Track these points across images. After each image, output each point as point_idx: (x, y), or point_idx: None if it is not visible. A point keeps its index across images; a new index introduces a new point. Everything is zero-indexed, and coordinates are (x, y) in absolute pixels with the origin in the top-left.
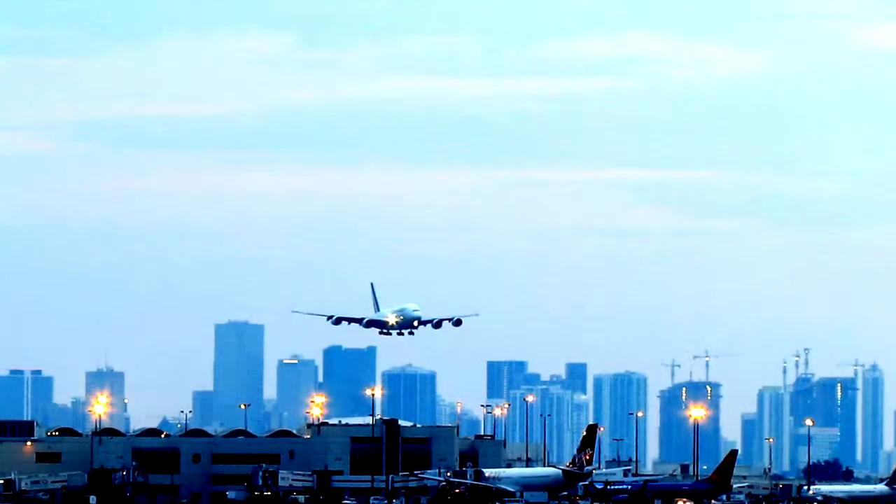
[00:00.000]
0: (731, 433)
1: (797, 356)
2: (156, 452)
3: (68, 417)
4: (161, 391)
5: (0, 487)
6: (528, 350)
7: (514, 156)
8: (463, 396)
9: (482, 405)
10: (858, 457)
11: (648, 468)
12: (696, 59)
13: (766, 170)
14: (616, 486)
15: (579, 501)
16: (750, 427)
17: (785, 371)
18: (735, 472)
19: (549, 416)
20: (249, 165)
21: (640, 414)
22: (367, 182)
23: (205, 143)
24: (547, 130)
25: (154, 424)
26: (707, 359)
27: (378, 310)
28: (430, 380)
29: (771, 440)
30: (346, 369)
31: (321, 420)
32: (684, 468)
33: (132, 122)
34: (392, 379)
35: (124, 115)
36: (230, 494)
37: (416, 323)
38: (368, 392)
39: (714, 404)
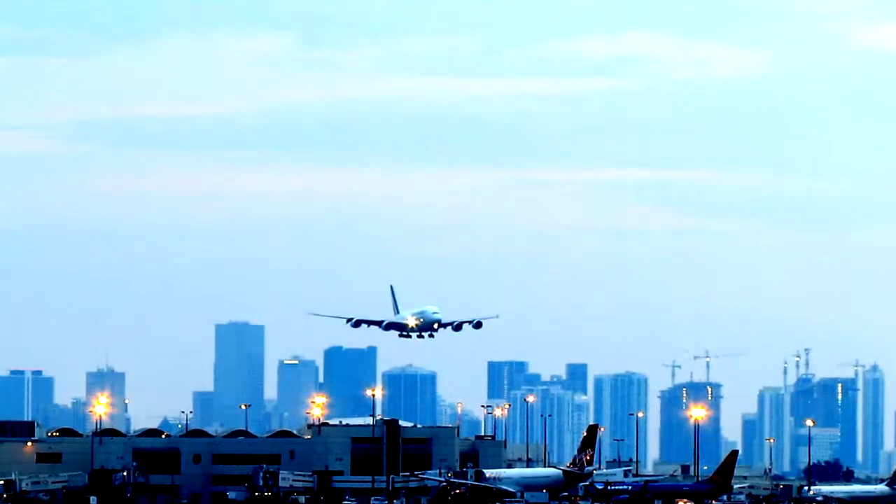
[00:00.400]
0: (732, 434)
1: (798, 356)
2: (156, 453)
3: (69, 418)
4: (161, 391)
5: (0, 488)
6: (529, 350)
7: (514, 156)
8: (463, 397)
9: (483, 406)
10: (859, 457)
11: (649, 469)
12: (696, 59)
13: (766, 170)
14: (616, 487)
15: (580, 502)
16: (750, 427)
17: (785, 371)
18: (735, 472)
19: (549, 416)
20: (249, 165)
21: (640, 414)
22: (367, 182)
23: (205, 143)
24: (547, 130)
25: (154, 425)
26: (707, 359)
27: (397, 312)
28: (430, 380)
29: (771, 441)
30: (346, 370)
31: (322, 420)
32: (685, 469)
33: (132, 122)
34: (392, 379)
35: (124, 115)
36: (231, 495)
37: (436, 325)
38: (369, 392)
39: (714, 405)
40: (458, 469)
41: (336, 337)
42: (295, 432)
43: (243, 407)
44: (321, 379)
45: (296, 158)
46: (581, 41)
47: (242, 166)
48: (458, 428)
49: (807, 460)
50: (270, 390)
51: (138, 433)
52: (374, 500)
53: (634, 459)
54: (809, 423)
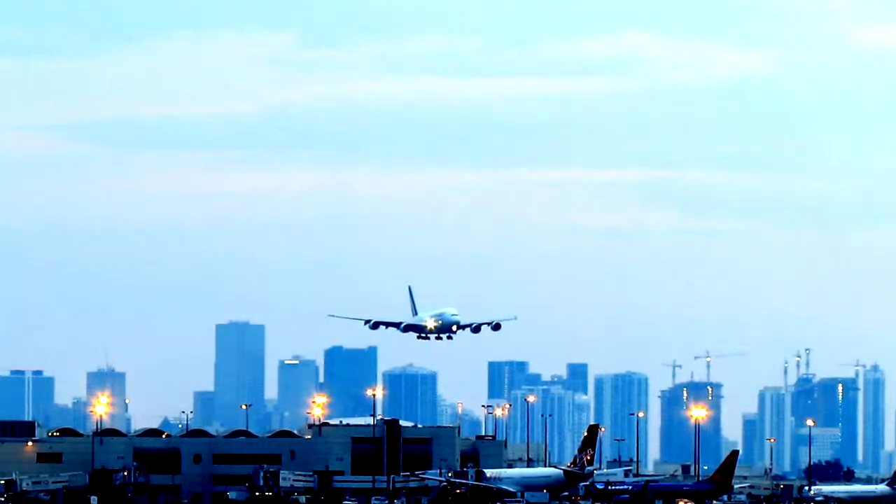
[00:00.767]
0: (733, 433)
1: (798, 356)
2: (157, 453)
3: (69, 418)
4: (162, 391)
5: (1, 488)
6: (529, 350)
7: (514, 156)
8: (464, 397)
9: (483, 405)
10: (860, 457)
11: (649, 468)
12: (696, 59)
13: (767, 170)
14: (617, 487)
15: (580, 502)
16: (751, 427)
17: (786, 371)
18: (736, 472)
19: (550, 416)
20: (249, 165)
21: (641, 414)
22: (367, 182)
23: (205, 143)
24: (547, 130)
25: (155, 425)
26: (708, 359)
27: (416, 313)
28: (431, 380)
29: (772, 440)
30: (347, 369)
31: (322, 420)
32: (685, 468)
33: (132, 122)
34: (393, 379)
35: (124, 115)
36: (231, 495)
37: (454, 327)
38: (369, 392)
39: (715, 404)
40: (458, 469)
41: (336, 337)
42: (295, 432)
43: (244, 407)
44: (321, 379)
45: (296, 158)
46: (581, 41)
47: (242, 166)
48: (459, 428)
49: (807, 460)
50: (271, 390)
51: (139, 433)
52: (375, 499)
53: (635, 459)
54: (810, 422)
